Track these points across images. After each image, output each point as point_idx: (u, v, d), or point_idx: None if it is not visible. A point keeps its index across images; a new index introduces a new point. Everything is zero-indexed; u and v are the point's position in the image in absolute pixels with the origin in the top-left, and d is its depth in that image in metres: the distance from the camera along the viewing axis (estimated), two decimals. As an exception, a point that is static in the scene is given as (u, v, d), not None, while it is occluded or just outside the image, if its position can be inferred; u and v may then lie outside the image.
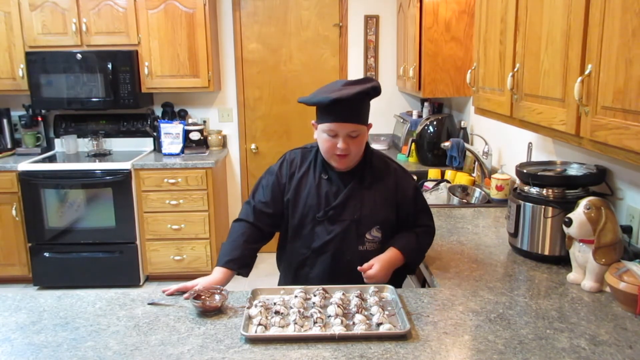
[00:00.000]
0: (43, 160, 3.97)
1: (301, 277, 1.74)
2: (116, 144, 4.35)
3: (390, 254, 1.67)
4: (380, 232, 1.72)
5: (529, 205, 1.79)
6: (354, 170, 1.72)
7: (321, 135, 1.67)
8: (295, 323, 1.32)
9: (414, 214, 1.78)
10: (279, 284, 1.65)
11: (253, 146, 4.53)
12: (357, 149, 1.66)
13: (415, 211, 1.78)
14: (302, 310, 1.38)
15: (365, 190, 1.70)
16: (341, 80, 1.70)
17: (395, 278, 1.75)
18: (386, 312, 1.38)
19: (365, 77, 1.69)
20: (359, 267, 1.61)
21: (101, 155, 4.14)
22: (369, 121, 1.71)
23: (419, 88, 3.41)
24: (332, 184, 1.70)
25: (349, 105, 1.60)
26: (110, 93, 3.94)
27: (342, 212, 1.69)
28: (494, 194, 2.59)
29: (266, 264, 2.65)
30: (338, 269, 1.70)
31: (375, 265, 1.62)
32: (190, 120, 4.26)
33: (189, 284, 1.56)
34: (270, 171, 1.79)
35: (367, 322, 1.33)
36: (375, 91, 1.64)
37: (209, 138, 4.33)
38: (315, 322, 1.31)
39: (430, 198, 2.79)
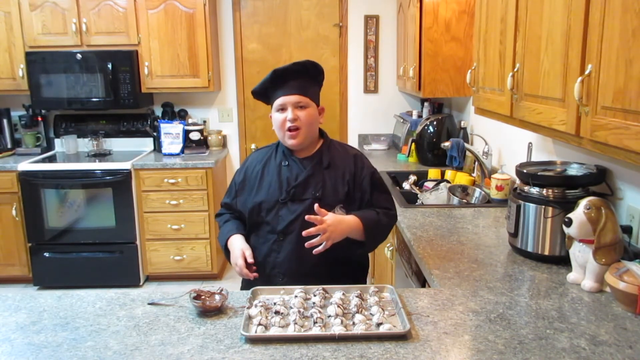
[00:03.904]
0: (43, 160, 3.97)
1: (269, 265, 1.75)
2: (116, 144, 4.35)
3: (347, 217, 1.70)
4: (344, 212, 1.75)
5: (529, 205, 1.79)
6: (312, 155, 1.79)
7: (274, 116, 1.76)
8: (295, 323, 1.32)
9: (373, 194, 1.80)
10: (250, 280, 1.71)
11: (253, 146, 4.53)
12: (306, 122, 1.73)
13: (374, 192, 1.81)
14: (302, 310, 1.38)
15: (325, 171, 1.77)
16: None
17: (356, 272, 1.84)
18: (386, 312, 1.38)
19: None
20: (307, 217, 1.60)
21: (101, 155, 4.14)
22: (321, 105, 1.80)
23: (419, 88, 3.41)
24: (292, 170, 1.77)
25: (290, 77, 1.72)
26: (110, 93, 3.94)
27: (304, 191, 1.74)
28: (494, 194, 2.59)
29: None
30: (305, 251, 1.67)
31: (328, 215, 1.63)
32: (190, 120, 4.26)
33: (242, 258, 1.70)
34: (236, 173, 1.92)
35: (367, 322, 1.33)
36: (314, 66, 1.76)
37: (209, 138, 4.33)
38: (315, 322, 1.31)
39: (430, 198, 2.79)
